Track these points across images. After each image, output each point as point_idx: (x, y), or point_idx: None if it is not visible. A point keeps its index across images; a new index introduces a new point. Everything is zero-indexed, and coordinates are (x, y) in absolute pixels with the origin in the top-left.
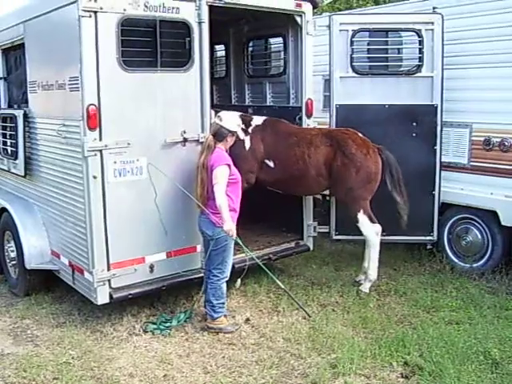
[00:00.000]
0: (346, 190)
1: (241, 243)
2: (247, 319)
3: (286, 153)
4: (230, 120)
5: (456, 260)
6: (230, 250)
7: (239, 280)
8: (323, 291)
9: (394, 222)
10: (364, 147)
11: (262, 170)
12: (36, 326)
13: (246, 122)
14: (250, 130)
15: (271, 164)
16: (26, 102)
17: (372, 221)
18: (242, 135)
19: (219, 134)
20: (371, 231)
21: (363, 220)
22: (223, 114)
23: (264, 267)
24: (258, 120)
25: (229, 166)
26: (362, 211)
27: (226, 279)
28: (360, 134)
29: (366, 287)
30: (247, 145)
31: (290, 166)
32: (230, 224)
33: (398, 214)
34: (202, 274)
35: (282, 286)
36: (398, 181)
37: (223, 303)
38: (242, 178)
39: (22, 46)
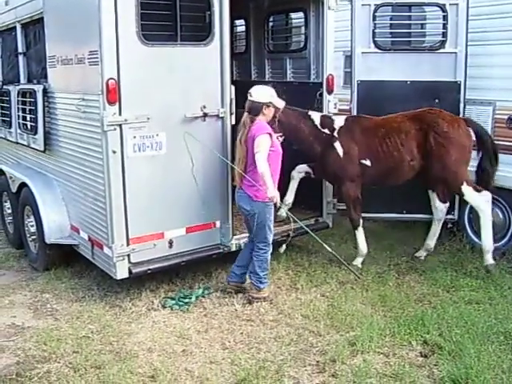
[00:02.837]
0: (444, 168)
1: (286, 210)
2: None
3: (379, 147)
4: (261, 92)
5: (476, 239)
6: (270, 222)
7: (284, 245)
8: (342, 269)
9: (415, 199)
10: (455, 122)
11: (360, 171)
12: (56, 300)
13: (329, 126)
14: (335, 133)
15: (368, 163)
16: (46, 76)
17: (477, 190)
18: (280, 104)
19: (254, 109)
20: (480, 200)
21: (468, 191)
22: (253, 88)
23: (310, 231)
24: (339, 121)
25: (270, 135)
26: (464, 183)
27: (271, 250)
28: (444, 111)
29: (488, 259)
30: (340, 151)
31: (385, 160)
32: (273, 191)
33: (486, 180)
34: (220, 250)
35: (329, 249)
36: (493, 148)
37: (267, 274)
38: (350, 181)
39: (41, 20)
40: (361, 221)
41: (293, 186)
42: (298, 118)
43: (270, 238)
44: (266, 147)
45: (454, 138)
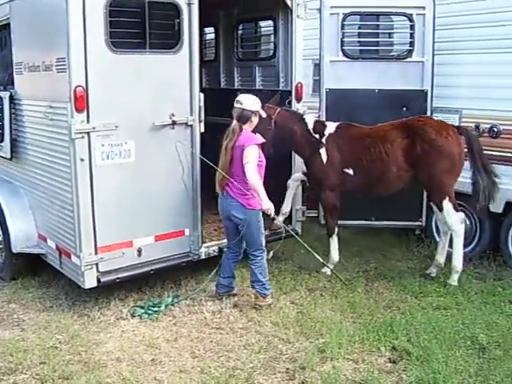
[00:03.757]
0: (430, 177)
1: (278, 221)
2: (235, 303)
3: (363, 157)
4: (250, 101)
5: None
6: (262, 227)
7: (271, 252)
8: (311, 276)
9: (383, 206)
10: (443, 130)
11: (343, 179)
12: (22, 310)
13: (320, 132)
14: (323, 140)
15: (351, 172)
16: (12, 83)
17: (456, 209)
18: (264, 113)
19: (243, 117)
20: (456, 220)
21: (448, 208)
22: (242, 97)
23: (298, 238)
24: (330, 128)
25: (258, 146)
26: (447, 199)
27: (266, 254)
28: (435, 118)
29: (454, 279)
30: (324, 158)
31: (369, 170)
32: (268, 202)
33: (476, 196)
34: (190, 258)
35: (317, 256)
36: (481, 160)
37: (268, 279)
38: (329, 189)
39: (7, 26)
40: (336, 229)
41: (289, 195)
42: (293, 120)
43: (264, 242)
44: (256, 158)
45: (441, 147)
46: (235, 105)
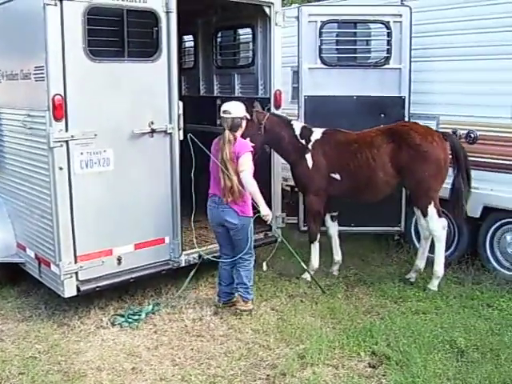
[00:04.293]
0: (416, 183)
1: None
2: (216, 311)
3: (349, 163)
4: (238, 107)
5: None
6: (252, 232)
7: (265, 264)
8: (292, 282)
9: (362, 212)
10: (428, 135)
11: (329, 184)
12: (1, 320)
13: (306, 137)
14: (309, 146)
15: (337, 177)
16: None
17: (439, 215)
18: (248, 116)
19: (235, 125)
20: (439, 226)
21: (433, 214)
22: (227, 105)
23: (290, 247)
24: (316, 134)
25: (251, 152)
26: (432, 204)
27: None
28: (420, 123)
29: (434, 285)
30: (310, 163)
31: (356, 175)
32: (267, 209)
33: (456, 201)
34: (170, 266)
35: (304, 265)
36: (466, 166)
37: (253, 285)
38: (314, 194)
39: None
40: (318, 236)
41: None
42: (281, 126)
43: (252, 247)
44: (251, 165)
45: (427, 152)
46: (223, 115)
